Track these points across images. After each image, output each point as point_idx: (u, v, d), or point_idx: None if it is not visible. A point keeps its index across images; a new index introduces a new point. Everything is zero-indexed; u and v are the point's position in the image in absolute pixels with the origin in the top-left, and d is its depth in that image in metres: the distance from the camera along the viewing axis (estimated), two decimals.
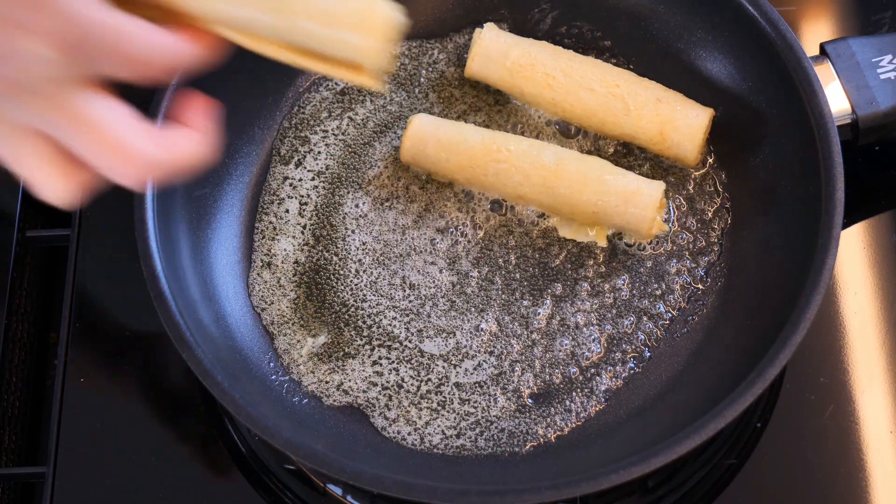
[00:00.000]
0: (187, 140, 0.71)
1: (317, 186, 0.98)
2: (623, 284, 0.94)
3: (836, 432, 0.92)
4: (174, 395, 0.94)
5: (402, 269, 0.95)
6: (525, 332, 0.92)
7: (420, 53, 1.03)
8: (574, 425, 0.89)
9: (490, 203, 0.97)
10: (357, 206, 0.98)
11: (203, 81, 0.86)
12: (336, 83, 1.01)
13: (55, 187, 0.70)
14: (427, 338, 0.93)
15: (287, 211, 0.97)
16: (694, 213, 0.96)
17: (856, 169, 0.91)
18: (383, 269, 0.95)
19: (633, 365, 0.91)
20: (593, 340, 0.92)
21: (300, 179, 0.98)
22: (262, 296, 0.94)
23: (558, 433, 0.89)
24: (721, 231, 0.95)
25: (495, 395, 0.90)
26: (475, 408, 0.90)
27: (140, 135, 0.69)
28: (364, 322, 0.93)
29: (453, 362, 0.92)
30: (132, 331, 0.96)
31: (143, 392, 0.94)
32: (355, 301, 0.94)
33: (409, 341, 0.92)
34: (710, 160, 0.97)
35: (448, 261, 0.95)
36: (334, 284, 0.95)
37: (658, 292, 0.93)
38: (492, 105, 1.01)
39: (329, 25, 0.72)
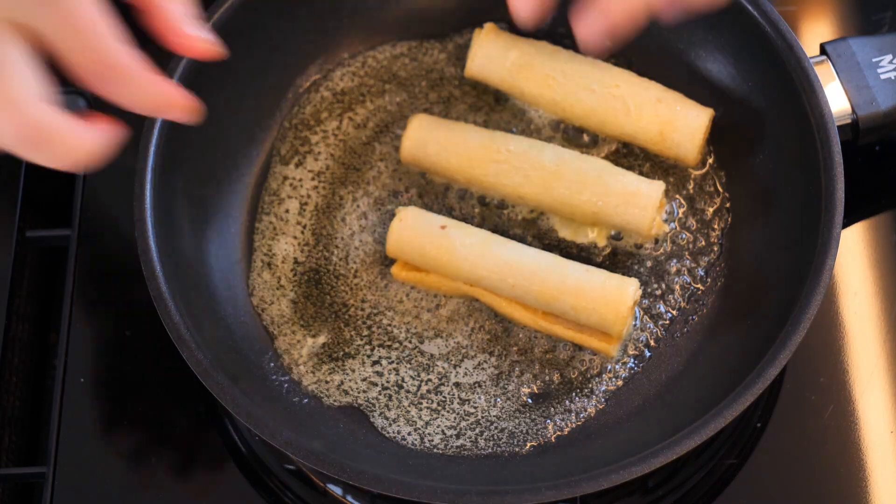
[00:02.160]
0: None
1: (317, 186, 0.98)
2: None
3: (836, 432, 0.92)
4: (174, 395, 0.94)
5: None
6: (524, 333, 0.92)
7: (420, 53, 1.03)
8: (574, 425, 0.89)
9: (490, 203, 0.97)
10: (357, 206, 0.98)
11: (203, 82, 0.86)
12: (336, 83, 1.01)
13: (28, 88, 0.71)
14: (427, 338, 0.93)
15: (287, 211, 0.97)
16: (694, 213, 0.96)
17: (856, 169, 0.91)
18: (384, 268, 0.95)
19: (633, 365, 0.91)
20: None
21: (300, 179, 0.98)
22: (262, 296, 0.94)
23: (558, 433, 0.89)
24: (721, 231, 0.95)
25: (495, 395, 0.90)
26: (475, 408, 0.90)
27: (123, 48, 0.71)
28: (364, 322, 0.93)
29: (453, 362, 0.92)
30: (132, 331, 0.96)
31: (142, 392, 0.94)
32: (355, 301, 0.94)
33: (409, 341, 0.92)
34: (710, 160, 0.97)
35: None
36: (334, 284, 0.95)
37: (658, 292, 0.93)
38: (492, 105, 1.01)
39: (587, 302, 0.88)
